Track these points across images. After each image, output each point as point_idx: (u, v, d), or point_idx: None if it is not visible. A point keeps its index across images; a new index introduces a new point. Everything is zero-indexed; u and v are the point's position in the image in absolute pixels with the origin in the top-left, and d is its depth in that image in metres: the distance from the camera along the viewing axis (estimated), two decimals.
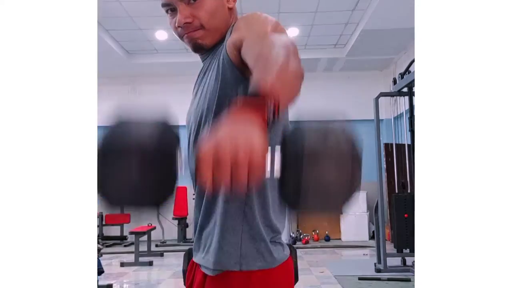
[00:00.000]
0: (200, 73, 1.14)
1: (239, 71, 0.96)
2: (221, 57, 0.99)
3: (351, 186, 0.59)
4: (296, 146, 0.59)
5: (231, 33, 0.99)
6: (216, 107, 0.99)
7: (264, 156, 0.56)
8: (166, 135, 0.61)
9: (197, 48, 1.09)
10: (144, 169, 0.57)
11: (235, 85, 0.96)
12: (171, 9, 1.06)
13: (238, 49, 0.92)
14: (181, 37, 1.08)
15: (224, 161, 0.53)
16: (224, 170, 0.53)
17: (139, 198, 0.59)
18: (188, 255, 1.13)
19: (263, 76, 0.69)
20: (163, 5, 1.07)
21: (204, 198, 1.03)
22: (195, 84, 1.15)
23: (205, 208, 1.02)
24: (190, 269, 1.10)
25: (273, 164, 0.58)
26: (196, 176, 1.02)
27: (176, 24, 1.05)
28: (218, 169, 0.53)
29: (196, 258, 1.06)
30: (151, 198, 0.59)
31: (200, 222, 1.05)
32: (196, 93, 1.12)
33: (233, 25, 1.02)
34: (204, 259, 1.01)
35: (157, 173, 0.58)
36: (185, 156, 1.07)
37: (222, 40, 1.06)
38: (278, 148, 0.60)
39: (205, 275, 1.01)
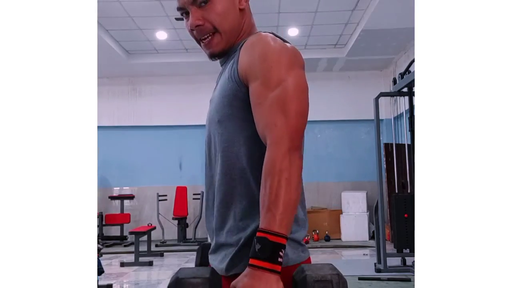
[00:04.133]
0: (219, 75, 1.15)
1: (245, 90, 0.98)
2: (232, 74, 1.00)
3: None
4: None
5: (239, 55, 1.00)
6: (221, 116, 1.02)
7: None
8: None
9: (213, 56, 1.11)
10: None
11: (240, 102, 0.99)
12: (185, 12, 1.08)
13: (247, 82, 0.96)
14: (197, 41, 1.10)
15: None
16: None
17: None
18: (202, 250, 1.18)
19: (272, 225, 0.85)
20: (178, 9, 1.09)
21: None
22: (215, 86, 1.17)
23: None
24: None
25: None
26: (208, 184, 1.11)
27: (189, 27, 1.07)
28: None
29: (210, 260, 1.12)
30: None
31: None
32: (211, 99, 1.13)
33: (243, 43, 1.02)
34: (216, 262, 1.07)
35: None
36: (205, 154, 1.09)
37: (234, 44, 1.08)
38: None
39: None
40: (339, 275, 0.87)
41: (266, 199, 0.87)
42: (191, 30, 1.07)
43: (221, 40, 1.06)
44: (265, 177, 0.88)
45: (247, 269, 0.85)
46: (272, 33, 1.01)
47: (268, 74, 0.92)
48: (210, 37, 1.06)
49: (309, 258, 1.04)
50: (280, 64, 0.93)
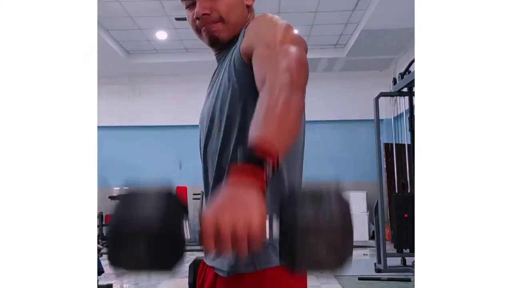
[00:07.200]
0: (214, 72, 1.14)
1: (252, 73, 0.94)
2: (234, 58, 1.00)
3: (344, 251, 0.62)
4: (291, 216, 0.63)
5: (243, 35, 1.00)
6: (229, 107, 1.00)
7: (263, 226, 0.62)
8: (173, 205, 0.66)
9: (214, 41, 1.10)
10: (154, 238, 0.62)
11: (248, 86, 0.95)
12: (192, 3, 1.08)
13: (249, 56, 0.93)
14: (198, 30, 1.10)
15: (225, 235, 0.59)
16: (226, 242, 0.60)
17: (152, 264, 0.65)
18: (194, 267, 1.12)
19: (261, 134, 0.70)
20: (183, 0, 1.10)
21: None
22: (209, 84, 1.15)
23: None
24: (201, 269, 1.10)
25: (271, 230, 0.64)
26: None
27: (195, 15, 1.07)
28: (220, 241, 0.60)
29: (208, 260, 1.05)
30: (164, 264, 0.66)
31: None
32: (209, 92, 1.12)
33: (247, 26, 1.03)
34: (217, 261, 1.00)
35: (166, 241, 0.63)
36: (200, 155, 1.05)
37: (236, 37, 1.06)
38: (275, 216, 0.64)
39: (216, 275, 1.00)
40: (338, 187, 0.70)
41: (259, 116, 0.74)
42: (195, 20, 1.07)
43: (225, 29, 1.07)
44: (260, 101, 0.77)
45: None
46: None
47: (276, 36, 0.90)
48: (214, 24, 1.07)
49: None
50: (287, 33, 0.91)
